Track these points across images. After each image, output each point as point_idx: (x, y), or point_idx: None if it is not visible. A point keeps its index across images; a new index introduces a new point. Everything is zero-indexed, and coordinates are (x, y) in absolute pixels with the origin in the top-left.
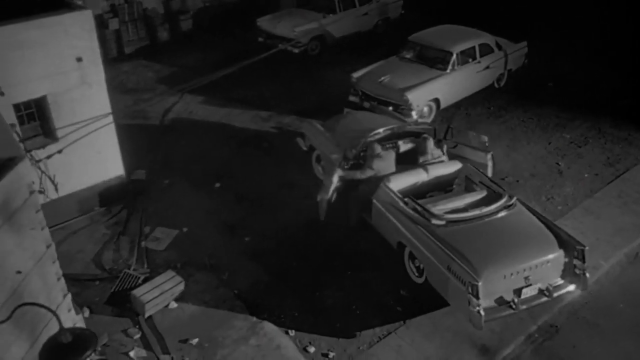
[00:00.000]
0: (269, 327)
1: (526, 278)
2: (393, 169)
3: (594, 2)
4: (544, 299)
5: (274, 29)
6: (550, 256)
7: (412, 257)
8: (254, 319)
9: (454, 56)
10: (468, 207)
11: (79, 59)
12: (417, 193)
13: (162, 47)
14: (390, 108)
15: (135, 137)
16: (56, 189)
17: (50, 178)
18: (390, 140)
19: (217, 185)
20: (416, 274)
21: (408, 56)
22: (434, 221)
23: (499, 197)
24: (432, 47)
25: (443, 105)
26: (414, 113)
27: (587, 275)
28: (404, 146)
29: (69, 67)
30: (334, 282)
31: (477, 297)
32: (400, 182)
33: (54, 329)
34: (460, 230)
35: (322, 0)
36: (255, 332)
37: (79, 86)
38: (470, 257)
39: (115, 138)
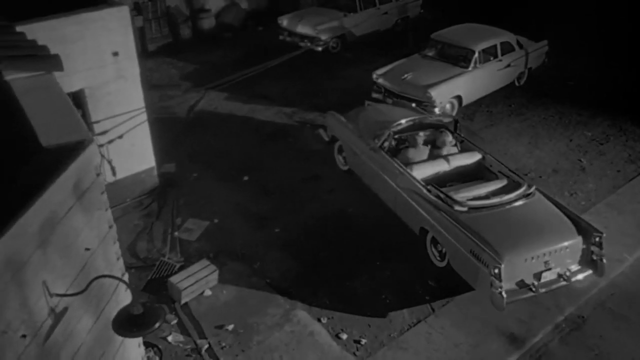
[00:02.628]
0: (302, 314)
1: (546, 262)
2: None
3: (615, 1)
4: (563, 282)
5: (295, 27)
6: (569, 242)
7: (434, 242)
8: (287, 306)
9: (476, 54)
10: (489, 195)
11: (115, 54)
12: (439, 182)
13: (184, 44)
14: (413, 104)
15: (162, 131)
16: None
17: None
18: (411, 131)
19: (245, 178)
20: (438, 258)
21: (430, 54)
22: (457, 207)
23: (518, 186)
24: (454, 45)
25: (465, 102)
26: (436, 110)
27: (604, 261)
28: (424, 135)
29: (105, 61)
30: (364, 272)
31: (500, 280)
32: (423, 171)
33: (116, 303)
34: (482, 216)
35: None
36: (289, 319)
37: (115, 80)
38: (493, 241)
39: (148, 131)
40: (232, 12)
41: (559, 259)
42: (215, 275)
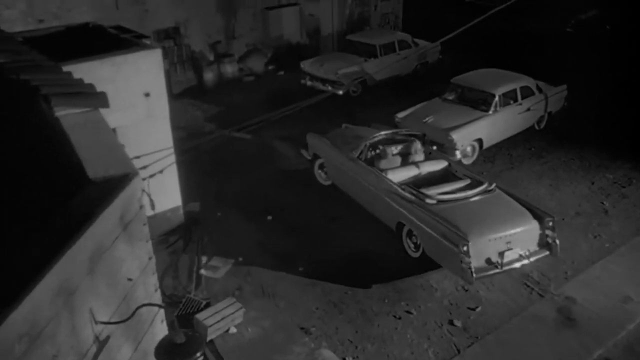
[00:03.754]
0: (327, 353)
1: (507, 243)
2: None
3: (632, 45)
4: (525, 261)
5: (317, 71)
6: (526, 226)
7: (409, 235)
8: (312, 345)
9: (497, 98)
10: (455, 191)
11: (147, 94)
12: (411, 185)
13: (209, 87)
14: (434, 147)
15: (187, 171)
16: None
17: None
18: (384, 143)
19: (269, 217)
20: (413, 249)
21: (450, 98)
22: (428, 200)
23: (480, 184)
24: (474, 89)
25: (486, 145)
26: (457, 152)
27: (557, 242)
28: (397, 148)
29: (137, 101)
30: (389, 311)
31: (468, 256)
32: (397, 176)
33: (152, 334)
34: (450, 207)
35: (364, 46)
36: (314, 358)
37: (145, 119)
38: (460, 225)
39: (175, 170)
40: (255, 56)
41: (518, 241)
42: (241, 313)
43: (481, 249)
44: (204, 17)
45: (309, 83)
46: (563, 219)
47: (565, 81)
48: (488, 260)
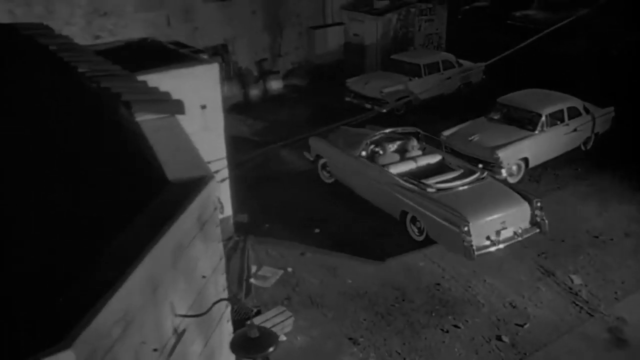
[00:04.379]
0: None
1: (502, 223)
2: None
3: None
4: (518, 238)
5: (362, 89)
6: (517, 207)
7: (412, 221)
8: (360, 355)
9: (543, 118)
10: (451, 180)
11: (204, 107)
12: (410, 177)
13: (254, 103)
14: (480, 166)
15: (235, 183)
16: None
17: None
18: (383, 141)
19: (317, 231)
20: (417, 234)
21: (496, 117)
22: (429, 189)
23: (473, 173)
24: (521, 109)
25: (531, 164)
26: (503, 171)
27: (546, 221)
28: (394, 145)
29: (194, 113)
30: (436, 325)
31: (469, 235)
32: (397, 169)
33: (220, 332)
34: (449, 194)
35: (409, 65)
36: None
37: (201, 131)
38: (460, 209)
39: (227, 181)
40: (299, 74)
41: (512, 221)
42: (290, 322)
43: (480, 229)
44: (251, 35)
45: (354, 101)
46: (612, 240)
47: (611, 103)
48: (486, 239)
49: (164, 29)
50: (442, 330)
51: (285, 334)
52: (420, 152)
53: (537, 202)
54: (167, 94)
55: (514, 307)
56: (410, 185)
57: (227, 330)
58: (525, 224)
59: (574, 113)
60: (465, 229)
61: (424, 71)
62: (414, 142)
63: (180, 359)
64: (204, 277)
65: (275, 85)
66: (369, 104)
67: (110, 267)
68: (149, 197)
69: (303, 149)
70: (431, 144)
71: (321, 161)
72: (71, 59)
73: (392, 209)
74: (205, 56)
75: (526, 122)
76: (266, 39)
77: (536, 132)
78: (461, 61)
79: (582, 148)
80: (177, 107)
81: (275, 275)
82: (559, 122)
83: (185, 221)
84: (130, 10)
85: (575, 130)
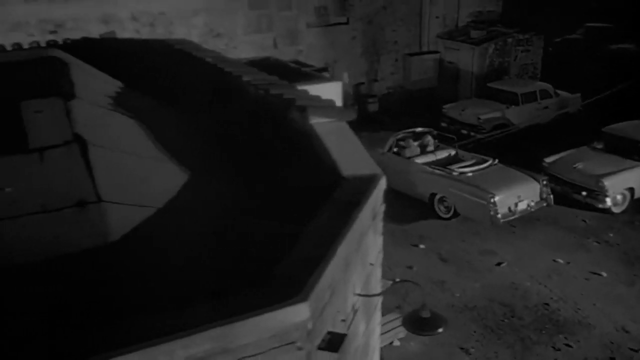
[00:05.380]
0: None
1: (518, 197)
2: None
3: None
4: (529, 209)
5: (459, 115)
6: (530, 184)
7: (440, 201)
8: None
9: None
10: (469, 166)
11: None
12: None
13: (351, 125)
14: (584, 193)
15: None
16: None
17: None
18: (405, 139)
19: (422, 246)
20: (444, 212)
21: (599, 147)
22: (454, 173)
23: (486, 161)
24: (627, 139)
25: (637, 195)
26: (608, 200)
27: (551, 196)
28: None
29: None
30: (547, 342)
31: (496, 206)
32: (422, 160)
33: (376, 316)
34: (472, 176)
35: (506, 93)
36: None
37: None
38: (485, 186)
39: None
40: (394, 98)
41: (525, 195)
42: (404, 328)
43: (502, 201)
44: (351, 60)
45: (451, 127)
46: None
47: None
48: (507, 209)
49: (271, 51)
50: (553, 348)
51: (400, 340)
52: (434, 148)
53: (543, 180)
54: (332, 101)
55: (626, 332)
56: (439, 171)
57: (378, 317)
58: (536, 198)
59: None
60: (492, 200)
61: (522, 100)
62: (430, 139)
63: (352, 335)
64: (371, 264)
65: (372, 108)
66: (465, 129)
67: (315, 244)
68: (327, 190)
69: None
70: (444, 142)
71: None
72: (231, 69)
73: (422, 193)
74: (327, 74)
75: (632, 151)
76: (364, 64)
77: None
78: (558, 91)
79: None
80: (349, 113)
81: (385, 285)
82: None
83: (366, 211)
84: (240, 33)
85: None
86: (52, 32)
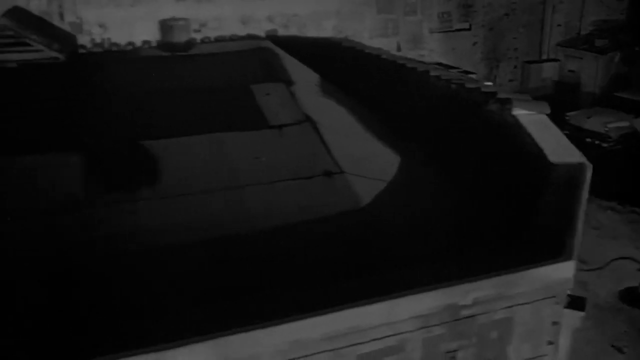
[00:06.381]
0: None
1: None
2: None
3: None
4: None
5: (583, 123)
6: None
7: None
8: None
9: None
10: None
11: None
12: None
13: None
14: None
15: None
16: None
17: None
18: None
19: None
20: None
21: None
22: None
23: None
24: None
25: None
26: None
27: None
28: None
29: None
30: None
31: None
32: None
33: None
34: None
35: (635, 103)
36: None
37: None
38: None
39: None
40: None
41: None
42: None
43: None
44: (470, 66)
45: (574, 135)
46: None
47: None
48: None
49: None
50: None
51: None
52: None
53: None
54: (527, 95)
55: None
56: None
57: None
58: None
59: None
60: None
61: None
62: None
63: None
64: None
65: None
66: (590, 138)
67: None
68: (538, 175)
69: None
70: None
71: None
72: (414, 66)
73: None
74: (474, 77)
75: None
76: (482, 70)
77: None
78: None
79: None
80: (545, 106)
81: None
82: None
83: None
84: (366, 36)
85: None
86: (196, 31)
